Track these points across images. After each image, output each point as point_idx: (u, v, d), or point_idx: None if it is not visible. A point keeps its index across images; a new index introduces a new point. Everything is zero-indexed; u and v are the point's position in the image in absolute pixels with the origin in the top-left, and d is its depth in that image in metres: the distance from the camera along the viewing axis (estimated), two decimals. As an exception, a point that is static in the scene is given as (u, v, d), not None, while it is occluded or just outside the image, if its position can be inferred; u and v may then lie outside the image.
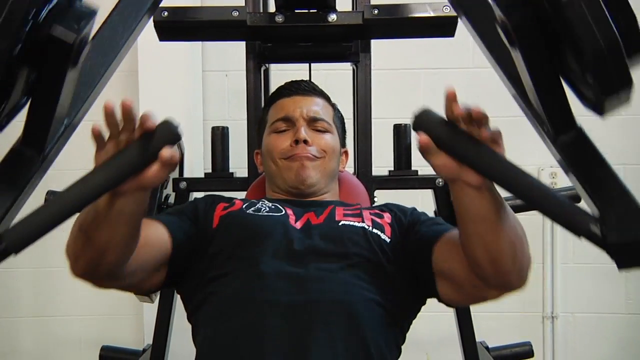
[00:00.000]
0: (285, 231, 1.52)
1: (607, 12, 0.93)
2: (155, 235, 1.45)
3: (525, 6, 1.02)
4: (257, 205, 1.63)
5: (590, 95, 1.03)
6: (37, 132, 1.12)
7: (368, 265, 1.48)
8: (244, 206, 1.63)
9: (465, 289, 1.40)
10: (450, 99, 1.10)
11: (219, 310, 1.45)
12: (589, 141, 1.11)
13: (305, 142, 1.72)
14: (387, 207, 1.68)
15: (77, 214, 1.13)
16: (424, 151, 1.11)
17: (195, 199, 1.69)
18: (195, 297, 1.52)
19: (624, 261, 1.04)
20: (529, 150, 2.49)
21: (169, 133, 1.09)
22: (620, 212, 1.03)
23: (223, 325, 1.42)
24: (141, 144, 1.09)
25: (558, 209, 1.04)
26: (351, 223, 1.56)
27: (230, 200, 1.69)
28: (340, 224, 1.56)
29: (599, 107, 1.03)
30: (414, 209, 1.67)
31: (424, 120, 1.11)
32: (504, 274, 1.26)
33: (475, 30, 1.30)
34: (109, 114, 1.09)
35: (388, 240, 1.54)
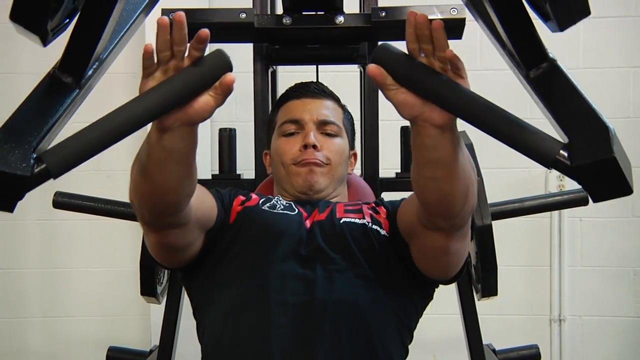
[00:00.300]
0: (298, 231, 1.53)
1: None
2: (209, 199, 1.48)
3: None
4: (273, 201, 1.64)
5: (547, 8, 1.00)
6: (78, 59, 1.09)
7: (372, 264, 1.49)
8: (260, 201, 1.63)
9: (420, 239, 1.40)
10: (412, 22, 1.06)
11: (226, 309, 1.46)
12: (560, 72, 1.08)
13: (315, 147, 1.71)
14: (380, 202, 1.69)
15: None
16: (380, 85, 1.07)
17: (218, 189, 1.67)
18: (202, 293, 1.54)
19: (595, 187, 0.99)
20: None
21: (222, 61, 1.06)
22: (588, 134, 0.99)
23: (230, 325, 1.43)
24: (192, 70, 1.05)
25: (526, 137, 1.00)
26: (352, 220, 1.56)
27: (247, 194, 1.69)
28: (341, 221, 1.56)
29: (557, 20, 0.99)
30: (402, 199, 1.64)
31: (382, 54, 1.06)
32: (453, 216, 1.26)
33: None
34: (162, 31, 1.04)
35: (387, 235, 1.55)
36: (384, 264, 1.50)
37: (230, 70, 1.06)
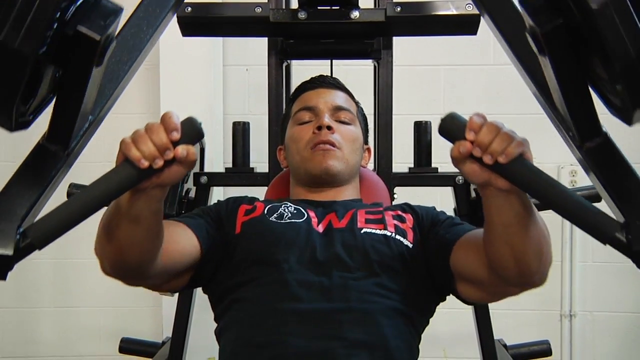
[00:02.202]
0: (308, 238, 1.53)
1: (638, 22, 0.92)
2: (185, 240, 1.47)
3: (556, 15, 1.01)
4: (280, 210, 1.63)
5: (618, 103, 1.03)
6: (62, 128, 1.14)
7: (391, 273, 1.48)
8: (265, 211, 1.62)
9: (485, 287, 1.40)
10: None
11: (242, 317, 1.46)
12: (614, 147, 1.11)
13: (329, 128, 1.72)
14: (409, 208, 1.68)
15: (103, 212, 1.15)
16: (453, 160, 1.11)
17: (218, 201, 1.69)
18: (221, 303, 1.54)
19: None
20: (549, 148, 2.49)
21: (190, 131, 1.10)
22: None
23: (247, 332, 1.44)
24: None
25: (584, 215, 1.04)
26: (373, 231, 1.55)
27: (252, 202, 1.69)
28: (362, 231, 1.55)
29: (627, 116, 1.03)
30: (434, 209, 1.67)
31: (449, 126, 1.10)
32: (528, 275, 1.26)
33: (499, 31, 1.30)
34: (161, 133, 1.09)
35: (410, 245, 1.54)
36: (403, 274, 1.50)
37: (199, 139, 1.13)
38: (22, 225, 1.06)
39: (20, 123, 1.06)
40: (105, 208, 1.21)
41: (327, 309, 1.41)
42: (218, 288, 1.55)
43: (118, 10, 1.09)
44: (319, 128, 1.72)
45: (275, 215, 1.61)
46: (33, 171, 1.13)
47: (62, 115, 1.13)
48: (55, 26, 0.99)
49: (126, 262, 1.27)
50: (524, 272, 1.25)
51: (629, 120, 1.03)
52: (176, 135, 1.08)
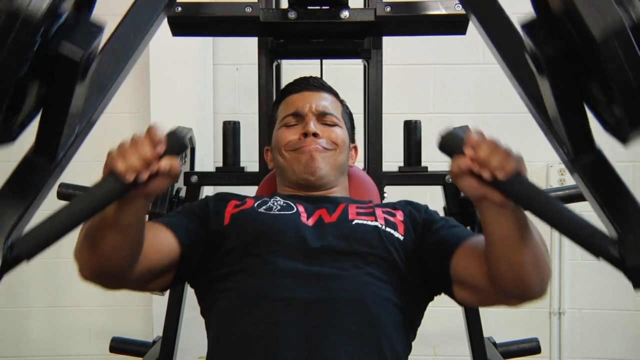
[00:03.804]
0: (297, 229, 1.53)
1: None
2: (162, 241, 1.48)
3: (558, 40, 1.04)
4: (269, 203, 1.64)
5: (613, 123, 1.06)
6: (49, 141, 1.15)
7: (382, 264, 1.50)
8: (255, 204, 1.63)
9: (484, 295, 1.42)
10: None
11: (232, 307, 1.47)
12: (607, 164, 1.13)
13: (315, 135, 1.73)
14: (399, 205, 1.69)
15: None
16: (452, 175, 1.15)
17: (207, 197, 1.70)
18: (209, 294, 1.54)
19: None
20: (538, 147, 2.49)
21: (175, 144, 1.13)
22: (638, 235, 1.05)
23: (237, 322, 1.44)
24: None
25: (578, 230, 1.08)
26: (364, 222, 1.57)
27: (242, 198, 1.70)
28: (353, 223, 1.56)
29: (623, 137, 1.05)
30: (427, 207, 1.68)
31: (448, 142, 1.13)
32: (526, 288, 1.29)
33: (484, 29, 1.31)
34: (148, 145, 1.12)
35: (401, 238, 1.55)
36: (394, 265, 1.51)
37: (182, 151, 1.17)
38: (10, 237, 1.07)
39: (5, 139, 1.08)
40: None
41: (318, 297, 1.42)
42: (205, 279, 1.56)
43: (100, 29, 1.11)
44: (305, 135, 1.73)
45: (264, 207, 1.62)
46: (21, 184, 1.14)
47: (48, 128, 1.15)
48: (37, 45, 0.99)
49: (107, 269, 1.30)
50: (523, 285, 1.28)
51: (624, 140, 1.06)
52: (161, 149, 1.11)
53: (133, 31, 1.34)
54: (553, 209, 1.08)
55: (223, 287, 1.50)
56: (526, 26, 1.09)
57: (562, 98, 1.09)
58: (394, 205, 1.69)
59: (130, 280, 1.38)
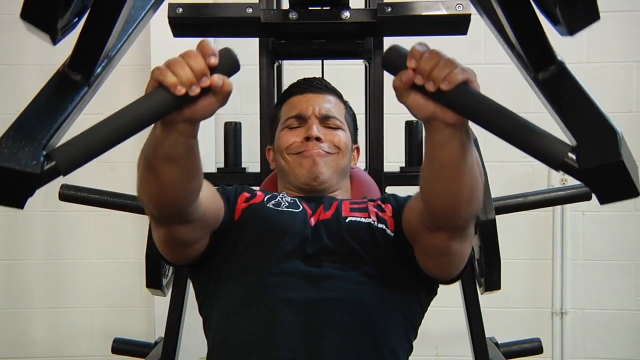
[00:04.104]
0: (302, 228, 1.54)
1: None
2: (217, 200, 1.49)
3: None
4: (278, 198, 1.64)
5: (558, 14, 1.00)
6: (88, 56, 1.09)
7: (377, 262, 1.50)
8: (265, 199, 1.64)
9: (422, 240, 1.42)
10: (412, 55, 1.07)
11: (231, 306, 1.47)
12: (568, 74, 1.08)
13: (318, 139, 1.72)
14: (387, 199, 1.68)
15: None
16: (396, 92, 1.09)
17: (224, 186, 1.68)
18: (208, 290, 1.55)
19: (602, 190, 1.00)
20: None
21: (227, 61, 1.07)
22: (596, 137, 0.99)
23: (236, 321, 1.44)
24: None
25: (534, 140, 1.00)
26: (358, 219, 1.56)
27: (253, 191, 1.70)
28: (347, 220, 1.56)
29: (568, 26, 0.99)
30: (408, 197, 1.63)
31: (392, 58, 1.08)
32: (457, 217, 1.27)
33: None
34: (200, 60, 1.06)
35: (392, 234, 1.55)
36: (389, 262, 1.51)
37: (236, 71, 1.08)
38: (46, 148, 1.00)
39: (56, 30, 1.00)
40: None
41: (316, 297, 1.42)
42: (206, 273, 1.56)
43: None
44: (308, 139, 1.73)
45: (273, 202, 1.62)
46: (55, 97, 1.07)
47: (89, 41, 1.08)
48: None
49: (167, 201, 1.27)
50: (453, 214, 1.26)
51: (571, 30, 0.99)
52: (214, 61, 1.05)
53: None
54: (507, 119, 1.01)
55: (223, 286, 1.51)
56: None
57: (510, 8, 1.05)
58: (383, 199, 1.69)
59: (191, 219, 1.35)
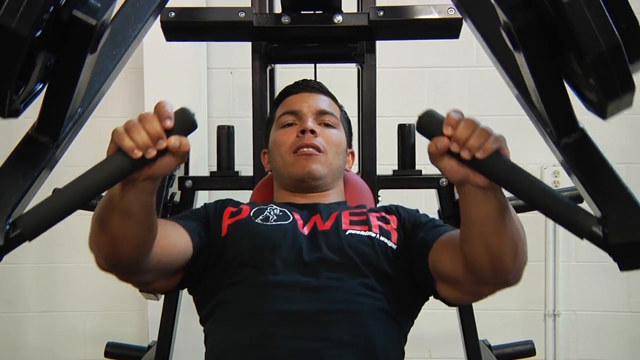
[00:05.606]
0: (294, 240, 1.53)
1: (608, 15, 0.93)
2: (179, 239, 1.47)
3: (529, 9, 1.02)
4: (265, 212, 1.63)
5: (593, 98, 1.03)
6: (53, 118, 1.11)
7: (376, 275, 1.49)
8: (251, 214, 1.63)
9: (461, 287, 1.41)
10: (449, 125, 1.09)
11: (229, 318, 1.47)
12: (591, 143, 1.11)
13: (312, 132, 1.72)
14: (394, 209, 1.69)
15: (91, 209, 1.13)
16: (430, 156, 1.11)
17: (206, 204, 1.69)
18: (208, 305, 1.54)
19: (625, 262, 1.05)
20: (532, 149, 2.51)
21: (184, 121, 1.09)
22: (622, 213, 1.03)
23: (234, 334, 1.44)
24: None
25: (561, 210, 1.05)
26: (358, 232, 1.56)
27: (238, 204, 1.69)
28: (347, 233, 1.56)
29: (601, 110, 1.02)
30: (417, 212, 1.67)
31: (427, 123, 1.11)
32: (502, 274, 1.28)
33: (478, 31, 1.31)
34: (155, 122, 1.08)
35: (395, 247, 1.55)
36: (388, 275, 1.50)
37: (192, 130, 1.11)
38: (12, 216, 1.03)
39: (12, 110, 1.03)
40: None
41: (314, 309, 1.42)
42: (204, 290, 1.55)
43: None
44: (303, 132, 1.73)
45: (261, 217, 1.61)
46: (22, 162, 1.10)
47: (53, 104, 1.10)
48: (51, 9, 0.96)
49: (120, 256, 1.27)
50: (499, 270, 1.26)
51: (603, 114, 1.03)
52: (169, 124, 1.06)
53: (133, 16, 1.30)
54: (536, 188, 1.06)
55: (221, 299, 1.50)
56: None
57: (539, 73, 1.07)
58: (388, 210, 1.69)
59: (144, 270, 1.35)
